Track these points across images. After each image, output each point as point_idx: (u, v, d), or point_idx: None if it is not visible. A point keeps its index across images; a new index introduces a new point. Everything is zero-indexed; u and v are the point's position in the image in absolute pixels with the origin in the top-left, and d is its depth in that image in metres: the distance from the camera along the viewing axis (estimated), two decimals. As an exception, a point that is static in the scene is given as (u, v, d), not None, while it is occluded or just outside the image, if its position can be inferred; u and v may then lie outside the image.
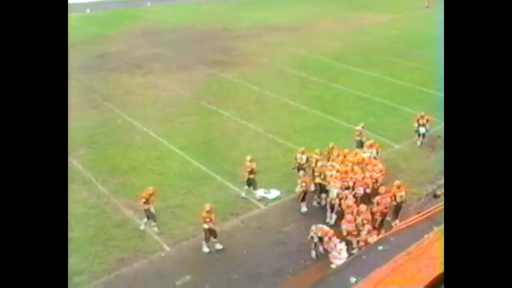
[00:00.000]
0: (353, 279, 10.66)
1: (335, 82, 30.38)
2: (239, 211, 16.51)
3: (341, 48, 38.94)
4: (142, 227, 16.05)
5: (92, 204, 17.49)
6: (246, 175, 17.19)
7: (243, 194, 17.47)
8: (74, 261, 14.72)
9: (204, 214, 14.69)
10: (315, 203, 17.10)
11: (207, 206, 14.80)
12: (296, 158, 18.19)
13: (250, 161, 17.32)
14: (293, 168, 18.18)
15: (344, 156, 17.77)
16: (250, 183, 17.26)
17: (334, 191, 16.00)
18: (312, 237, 14.30)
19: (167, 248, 15.22)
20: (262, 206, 17.12)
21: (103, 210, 17.28)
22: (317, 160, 17.55)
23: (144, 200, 15.72)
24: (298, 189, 16.70)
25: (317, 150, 18.03)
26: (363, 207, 14.81)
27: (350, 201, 15.18)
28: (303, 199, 16.72)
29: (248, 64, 34.33)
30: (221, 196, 17.68)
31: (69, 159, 21.03)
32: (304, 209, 16.76)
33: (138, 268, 14.46)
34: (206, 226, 14.69)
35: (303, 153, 18.13)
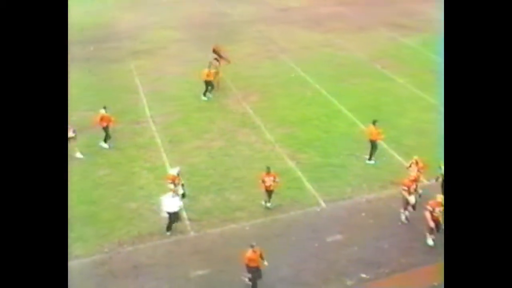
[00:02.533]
0: None
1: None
2: (400, 181, 16.11)
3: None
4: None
5: (258, 148, 18.52)
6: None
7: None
8: (236, 198, 15.95)
9: (406, 181, 14.53)
10: None
11: (412, 177, 14.65)
12: None
13: None
14: None
15: None
16: None
17: None
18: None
19: (323, 205, 15.62)
20: (424, 181, 16.51)
21: (267, 156, 18.21)
22: None
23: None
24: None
25: None
26: None
27: None
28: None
29: (431, 30, 32.35)
30: (384, 163, 17.44)
31: (243, 104, 22.35)
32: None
33: (293, 217, 15.16)
34: (407, 195, 14.53)
35: None
